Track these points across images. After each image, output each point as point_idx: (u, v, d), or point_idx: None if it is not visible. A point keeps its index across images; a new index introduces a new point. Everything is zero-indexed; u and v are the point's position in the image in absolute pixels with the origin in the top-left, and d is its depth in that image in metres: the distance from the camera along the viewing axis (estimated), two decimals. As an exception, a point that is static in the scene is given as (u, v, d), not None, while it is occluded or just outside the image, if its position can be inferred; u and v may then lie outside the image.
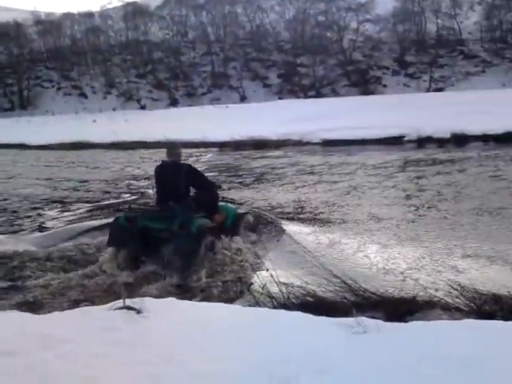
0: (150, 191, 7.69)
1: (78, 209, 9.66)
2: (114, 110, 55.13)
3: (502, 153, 13.97)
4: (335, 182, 11.31)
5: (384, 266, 5.60)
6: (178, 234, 5.82)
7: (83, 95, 62.20)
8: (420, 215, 7.91)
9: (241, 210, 7.54)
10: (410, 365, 2.51)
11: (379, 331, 3.01)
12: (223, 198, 7.55)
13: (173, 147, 6.68)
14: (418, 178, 11.32)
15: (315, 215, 8.22)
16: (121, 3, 72.94)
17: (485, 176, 10.86)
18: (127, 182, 13.48)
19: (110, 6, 76.37)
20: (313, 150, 18.40)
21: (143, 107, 59.34)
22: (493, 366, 2.53)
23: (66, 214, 9.31)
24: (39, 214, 9.27)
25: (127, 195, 11.25)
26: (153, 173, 6.78)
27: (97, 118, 40.72)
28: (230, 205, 7.38)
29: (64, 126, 34.58)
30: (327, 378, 2.44)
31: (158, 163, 6.70)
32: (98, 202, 10.44)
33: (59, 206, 10.11)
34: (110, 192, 11.88)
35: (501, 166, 12.00)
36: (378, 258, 5.88)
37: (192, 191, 6.47)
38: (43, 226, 8.25)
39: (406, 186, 10.39)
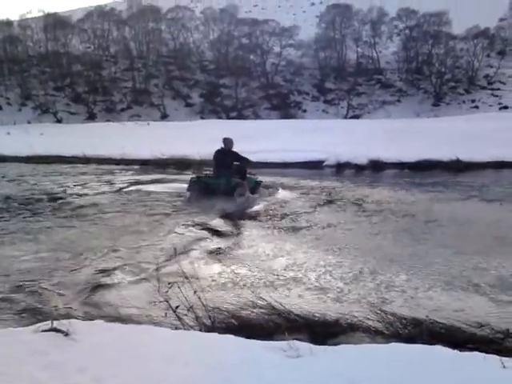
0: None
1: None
2: (29, 122, 53.21)
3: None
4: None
5: (308, 288, 5.65)
6: (224, 186, 11.43)
7: (-3, 106, 59.83)
8: (338, 238, 8.08)
9: (258, 180, 12.50)
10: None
11: (312, 355, 3.04)
12: (249, 172, 12.22)
13: (228, 140, 11.82)
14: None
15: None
16: (41, 13, 71.11)
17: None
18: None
19: (29, 16, 74.17)
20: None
21: (60, 121, 57.60)
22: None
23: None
24: None
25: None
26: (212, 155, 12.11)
27: (11, 130, 39.21)
28: (252, 176, 12.37)
29: (-25, 138, 33.05)
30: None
31: (218, 148, 11.89)
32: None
33: None
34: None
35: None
36: (302, 279, 5.91)
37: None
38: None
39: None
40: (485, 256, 6.65)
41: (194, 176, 12.40)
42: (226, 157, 11.68)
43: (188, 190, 12.04)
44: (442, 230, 8.49)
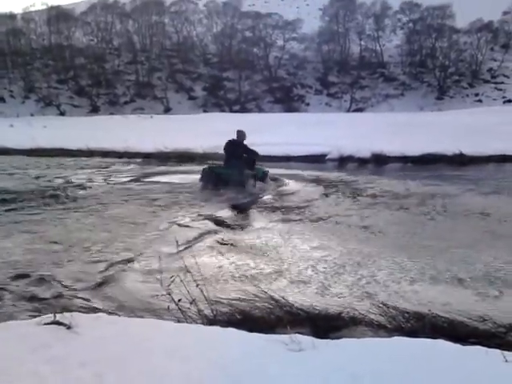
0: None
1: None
2: (32, 115, 53.22)
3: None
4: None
5: (309, 281, 5.64)
6: (236, 176, 11.75)
7: (1, 99, 59.77)
8: (336, 229, 8.08)
9: (265, 170, 13.00)
10: (348, 382, 2.55)
11: (314, 348, 3.04)
12: (257, 163, 12.70)
13: (241, 133, 12.47)
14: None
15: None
16: (44, 6, 71.02)
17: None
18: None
19: (32, 9, 74.09)
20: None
21: (63, 113, 57.63)
22: (427, 381, 2.62)
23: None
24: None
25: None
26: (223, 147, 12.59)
27: (14, 122, 39.17)
28: (260, 167, 12.86)
29: (-22, 130, 33.02)
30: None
31: (229, 139, 12.42)
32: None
33: None
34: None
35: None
36: (304, 273, 5.91)
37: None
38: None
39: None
40: (473, 249, 6.66)
41: (206, 167, 12.80)
42: (237, 148, 12.30)
43: (200, 180, 12.47)
44: (434, 224, 8.48)
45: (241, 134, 12.52)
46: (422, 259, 6.27)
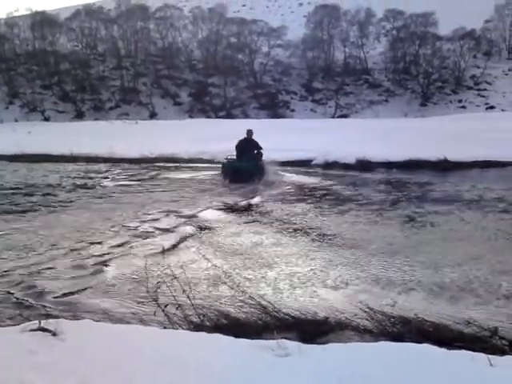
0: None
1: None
2: (16, 120, 52.89)
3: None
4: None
5: (296, 287, 5.66)
6: (250, 168, 13.44)
7: (-16, 105, 59.30)
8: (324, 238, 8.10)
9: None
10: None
11: (301, 354, 3.04)
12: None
13: (250, 131, 14.58)
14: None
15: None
16: (28, 12, 70.55)
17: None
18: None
19: (16, 14, 73.59)
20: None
21: (47, 119, 57.22)
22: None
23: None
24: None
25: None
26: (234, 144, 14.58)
27: (-2, 128, 38.98)
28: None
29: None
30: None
31: (241, 138, 14.52)
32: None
33: None
34: None
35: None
36: (291, 278, 5.92)
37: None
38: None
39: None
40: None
41: (225, 162, 14.56)
42: (250, 144, 14.31)
43: (221, 174, 14.33)
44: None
45: (250, 132, 14.60)
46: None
